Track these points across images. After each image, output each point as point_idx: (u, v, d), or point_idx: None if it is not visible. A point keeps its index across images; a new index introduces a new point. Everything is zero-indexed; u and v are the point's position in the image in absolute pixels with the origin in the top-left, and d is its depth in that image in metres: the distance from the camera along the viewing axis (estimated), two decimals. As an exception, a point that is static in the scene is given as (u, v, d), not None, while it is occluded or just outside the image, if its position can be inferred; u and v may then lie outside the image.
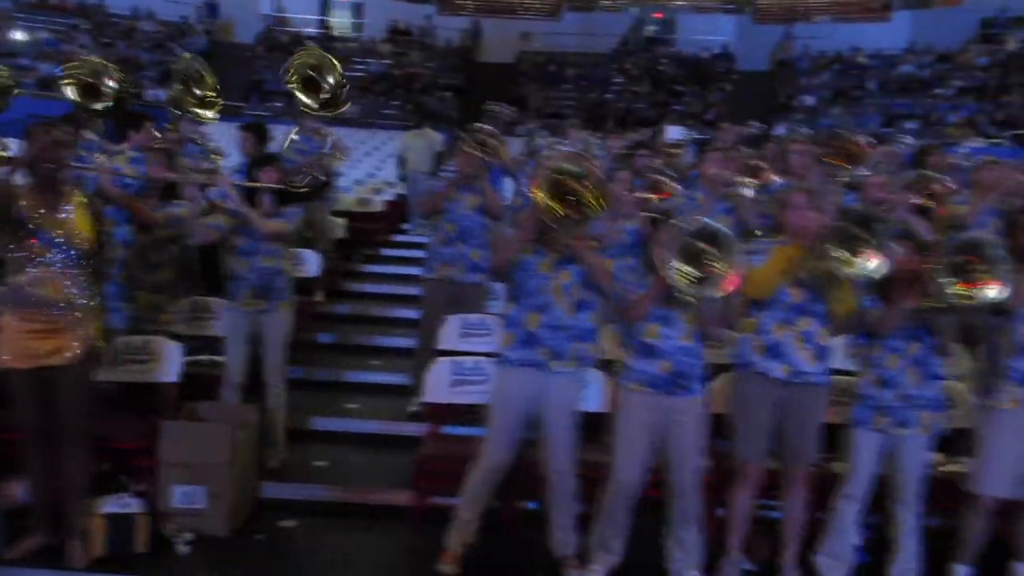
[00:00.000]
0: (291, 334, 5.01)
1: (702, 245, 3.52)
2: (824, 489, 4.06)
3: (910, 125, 18.62)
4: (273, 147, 6.58)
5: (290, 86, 5.87)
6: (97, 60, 5.37)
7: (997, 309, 3.72)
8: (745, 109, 19.78)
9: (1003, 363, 3.82)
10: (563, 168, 3.61)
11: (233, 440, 4.11)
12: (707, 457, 4.10)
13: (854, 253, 3.64)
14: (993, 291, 3.55)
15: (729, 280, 3.50)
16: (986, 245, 3.60)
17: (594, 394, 4.42)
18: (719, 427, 4.11)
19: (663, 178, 5.64)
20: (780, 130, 16.70)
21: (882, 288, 3.85)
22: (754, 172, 5.80)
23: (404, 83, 21.75)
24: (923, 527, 4.01)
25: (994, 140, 17.31)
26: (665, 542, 3.92)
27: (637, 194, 5.45)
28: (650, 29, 24.88)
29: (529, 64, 23.42)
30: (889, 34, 22.85)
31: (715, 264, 3.51)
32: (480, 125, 6.48)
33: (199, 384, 4.95)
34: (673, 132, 8.72)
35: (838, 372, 4.75)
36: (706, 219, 3.66)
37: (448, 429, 4.84)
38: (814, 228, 3.77)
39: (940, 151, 7.38)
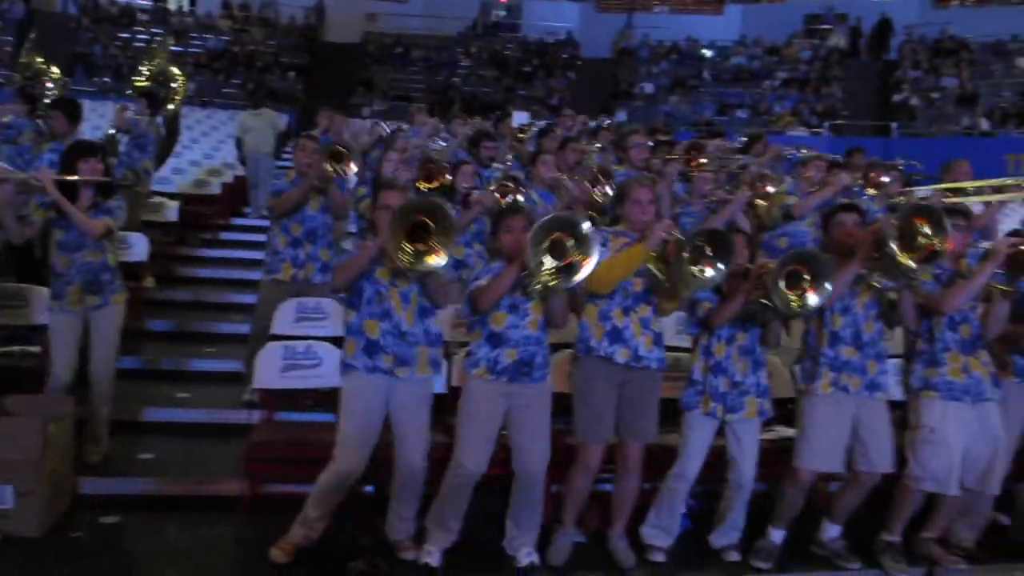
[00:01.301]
0: (122, 326, 4.77)
1: (561, 236, 3.59)
2: (654, 461, 4.23)
3: (741, 114, 19.63)
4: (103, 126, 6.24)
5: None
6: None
7: None
8: (588, 95, 20.30)
9: (819, 350, 4.09)
10: (414, 207, 3.59)
11: (43, 435, 3.87)
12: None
13: (702, 264, 3.76)
14: (815, 299, 3.78)
15: (585, 269, 3.58)
16: (816, 258, 3.83)
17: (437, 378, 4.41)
18: (557, 406, 4.20)
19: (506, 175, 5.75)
20: (621, 116, 17.23)
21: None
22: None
23: (244, 61, 20.97)
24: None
25: (815, 130, 18.49)
26: (505, 521, 3.98)
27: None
28: (496, 14, 25.04)
29: (375, 45, 23.09)
30: (722, 26, 23.97)
31: (574, 254, 3.58)
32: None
33: (10, 376, 4.64)
34: (519, 117, 8.87)
35: (673, 349, 5.00)
36: (566, 211, 3.72)
37: (283, 415, 4.75)
38: (655, 228, 3.84)
39: (765, 141, 7.82)
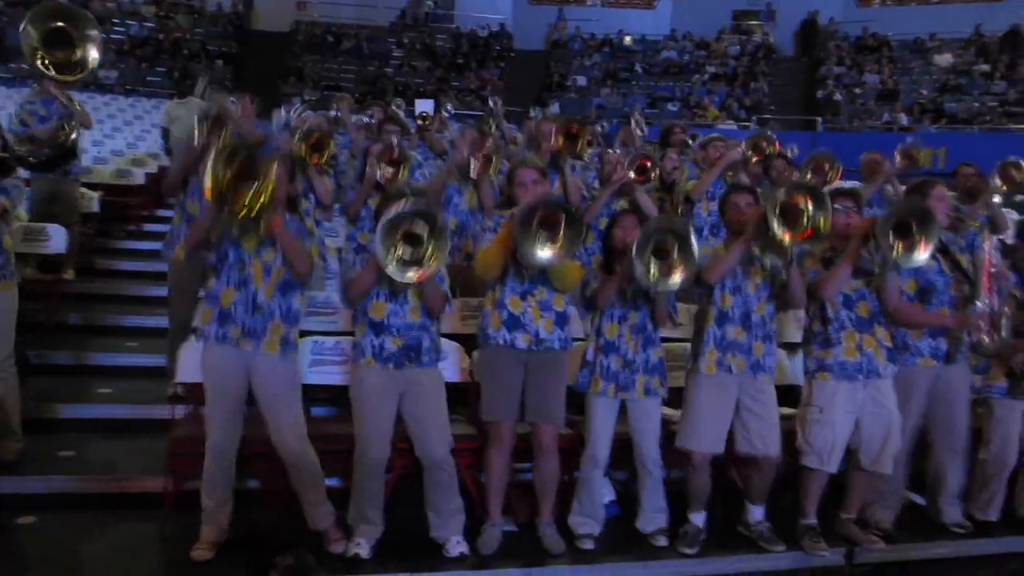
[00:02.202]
0: (16, 313, 4.58)
1: (411, 227, 3.56)
2: (575, 451, 4.29)
3: (672, 107, 19.88)
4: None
5: (27, 42, 5.32)
6: None
7: (699, 280, 4.04)
8: (521, 87, 20.32)
9: (706, 329, 4.15)
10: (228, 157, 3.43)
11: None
12: (466, 425, 4.23)
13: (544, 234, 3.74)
14: (675, 279, 3.81)
15: (433, 264, 3.56)
16: (680, 232, 3.86)
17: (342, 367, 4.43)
18: (476, 396, 4.22)
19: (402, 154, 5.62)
20: (554, 108, 17.28)
21: (604, 261, 4.10)
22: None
23: (169, 48, 20.43)
24: (666, 479, 4.35)
25: (743, 123, 18.85)
26: (426, 511, 3.98)
27: (380, 172, 5.40)
28: (428, 4, 24.85)
29: (305, 34, 22.71)
30: (653, 21, 24.25)
31: (426, 246, 3.55)
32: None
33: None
34: (421, 104, 8.81)
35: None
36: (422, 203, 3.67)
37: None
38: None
39: (683, 130, 7.90)
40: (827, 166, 6.68)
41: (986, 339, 4.36)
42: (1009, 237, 5.24)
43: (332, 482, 4.07)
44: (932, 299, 4.39)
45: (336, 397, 4.72)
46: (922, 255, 3.91)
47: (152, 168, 10.57)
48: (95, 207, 8.39)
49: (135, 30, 20.87)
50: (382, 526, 3.93)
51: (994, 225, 5.63)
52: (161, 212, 9.91)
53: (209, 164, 3.42)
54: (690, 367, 4.23)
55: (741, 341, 4.10)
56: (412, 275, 3.56)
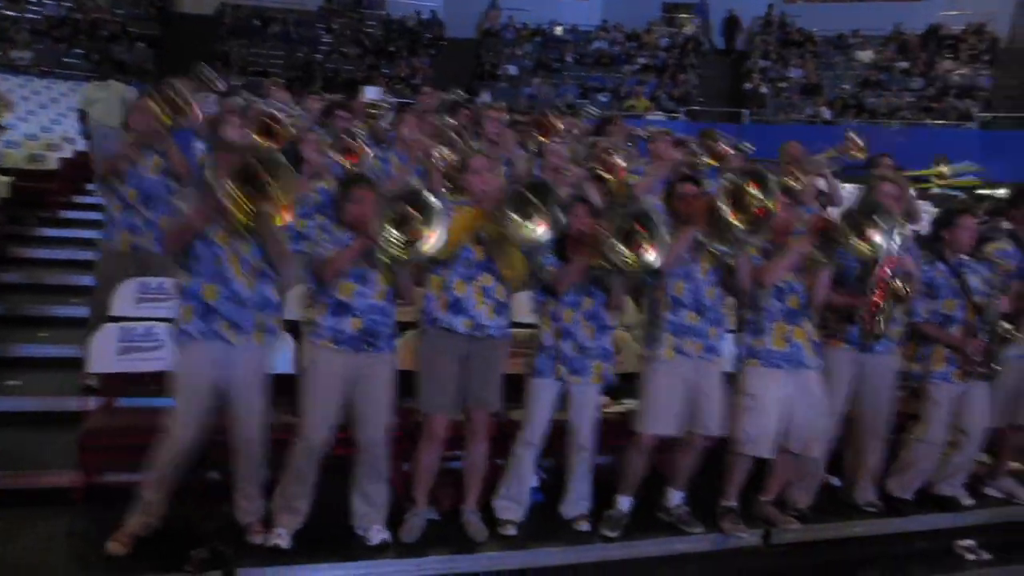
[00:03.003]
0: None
1: (408, 208, 3.57)
2: (503, 437, 4.29)
3: (603, 98, 20.02)
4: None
5: None
6: None
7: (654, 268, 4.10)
8: (452, 75, 20.17)
9: (661, 316, 4.22)
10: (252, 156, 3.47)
11: None
12: (394, 413, 4.19)
13: (527, 218, 3.82)
14: (651, 256, 3.89)
15: (432, 241, 3.57)
16: (650, 215, 3.93)
17: (283, 356, 4.31)
18: (406, 384, 4.19)
19: (355, 140, 5.60)
20: (485, 97, 17.24)
21: (560, 248, 4.12)
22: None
23: (88, 30, 19.74)
24: (593, 466, 4.39)
25: (672, 114, 19.09)
26: (351, 498, 3.94)
27: (329, 155, 5.38)
28: (359, -10, 24.55)
29: (231, 17, 22.20)
30: (585, 11, 24.35)
31: (419, 226, 3.56)
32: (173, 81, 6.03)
33: None
34: (370, 92, 8.71)
35: (519, 325, 5.05)
36: (412, 182, 3.71)
37: (125, 401, 4.51)
38: (494, 191, 3.94)
39: (620, 122, 7.98)
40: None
41: (867, 324, 4.48)
42: (923, 228, 5.43)
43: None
44: (846, 284, 4.51)
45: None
46: (878, 240, 4.08)
47: (67, 153, 10.23)
48: (4, 192, 8.08)
49: (51, 9, 20.13)
50: (305, 515, 3.88)
51: (908, 215, 5.82)
52: (78, 199, 9.61)
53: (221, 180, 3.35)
54: (646, 353, 4.27)
55: (696, 326, 4.18)
56: (409, 254, 3.58)
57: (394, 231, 3.57)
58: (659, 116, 18.42)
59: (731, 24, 22.74)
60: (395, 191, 3.63)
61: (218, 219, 3.48)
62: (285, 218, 3.47)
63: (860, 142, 6.73)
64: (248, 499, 3.83)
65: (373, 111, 7.84)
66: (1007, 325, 4.72)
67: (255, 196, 3.40)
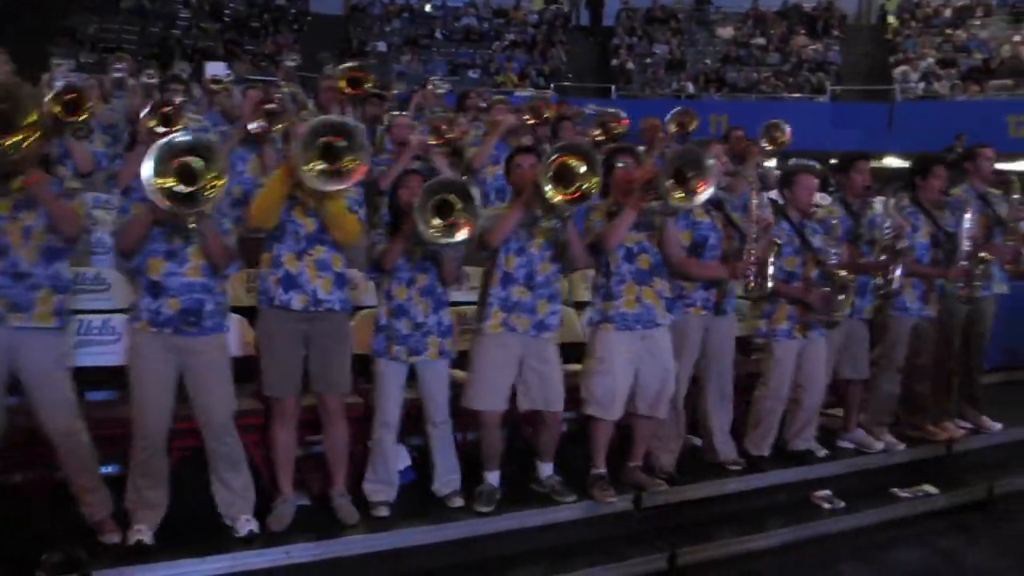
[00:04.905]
0: None
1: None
2: (368, 417, 4.24)
3: (473, 74, 19.95)
4: None
5: None
6: None
7: (482, 243, 4.11)
8: (319, 52, 19.70)
9: (490, 290, 4.22)
10: None
11: None
12: (252, 400, 4.08)
13: (339, 176, 3.64)
14: (463, 233, 3.87)
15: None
16: (458, 185, 3.91)
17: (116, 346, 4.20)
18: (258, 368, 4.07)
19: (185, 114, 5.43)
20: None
21: (391, 222, 4.07)
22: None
23: (-85, 3, 18.19)
24: (460, 442, 4.39)
25: (543, 90, 19.19)
26: (211, 489, 3.82)
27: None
28: (217, -38, 23.52)
29: (79, -10, 20.90)
30: (454, -13, 24.13)
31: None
32: None
33: None
34: (213, 68, 8.42)
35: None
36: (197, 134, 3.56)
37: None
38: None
39: (476, 95, 7.98)
40: (613, 124, 6.96)
41: (753, 284, 4.67)
42: (775, 195, 5.66)
43: (110, 470, 3.83)
44: (705, 253, 4.66)
45: (109, 379, 4.40)
46: (701, 197, 4.12)
47: None
48: None
49: None
50: (165, 508, 3.72)
51: (763, 182, 6.07)
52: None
53: None
54: (475, 328, 4.26)
55: (525, 301, 4.17)
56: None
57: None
58: (529, 92, 18.50)
59: (595, 1, 23.01)
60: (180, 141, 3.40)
61: None
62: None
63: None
64: (85, 492, 3.61)
65: (213, 87, 7.58)
66: (844, 273, 4.94)
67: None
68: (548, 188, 3.87)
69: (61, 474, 3.68)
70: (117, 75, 7.87)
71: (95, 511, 3.63)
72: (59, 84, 5.68)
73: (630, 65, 20.54)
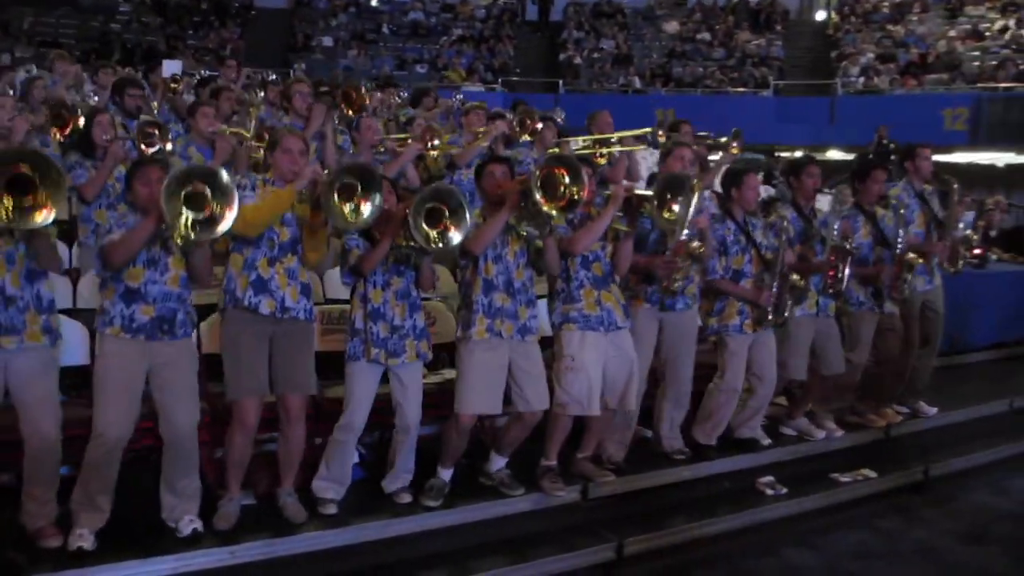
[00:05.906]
0: None
1: (200, 187, 3.40)
2: (322, 415, 4.22)
3: (420, 69, 19.88)
4: None
5: None
6: None
7: (463, 251, 4.13)
8: (264, 47, 19.49)
9: (474, 298, 4.23)
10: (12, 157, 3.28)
11: None
12: (202, 399, 4.02)
13: (350, 202, 3.73)
14: (456, 236, 3.89)
15: (227, 221, 3.42)
16: (452, 193, 3.93)
17: (75, 347, 4.07)
18: (212, 368, 4.03)
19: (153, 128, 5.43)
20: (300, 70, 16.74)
21: (366, 229, 4.06)
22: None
23: None
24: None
25: (490, 85, 19.24)
26: (160, 491, 3.77)
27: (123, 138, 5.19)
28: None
29: (14, -18, 20.32)
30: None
31: (214, 205, 3.41)
32: None
33: None
34: (169, 67, 8.28)
35: (334, 301, 4.97)
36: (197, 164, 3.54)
37: None
38: (303, 171, 3.82)
39: (434, 94, 8.00)
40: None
41: (677, 281, 4.74)
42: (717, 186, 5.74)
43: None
44: (646, 248, 4.71)
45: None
46: (677, 209, 4.25)
47: None
48: None
49: None
50: (108, 513, 3.66)
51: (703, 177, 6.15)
52: None
53: None
54: (461, 335, 4.26)
55: (508, 307, 4.21)
56: (203, 234, 3.43)
57: (186, 211, 3.38)
58: (477, 87, 18.51)
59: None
60: (185, 170, 3.44)
61: None
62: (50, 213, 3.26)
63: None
64: (37, 503, 3.57)
65: (174, 86, 7.48)
66: (795, 277, 5.06)
67: (20, 193, 3.20)
68: (538, 196, 3.94)
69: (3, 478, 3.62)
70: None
71: (36, 518, 3.58)
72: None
73: (578, 60, 20.64)
